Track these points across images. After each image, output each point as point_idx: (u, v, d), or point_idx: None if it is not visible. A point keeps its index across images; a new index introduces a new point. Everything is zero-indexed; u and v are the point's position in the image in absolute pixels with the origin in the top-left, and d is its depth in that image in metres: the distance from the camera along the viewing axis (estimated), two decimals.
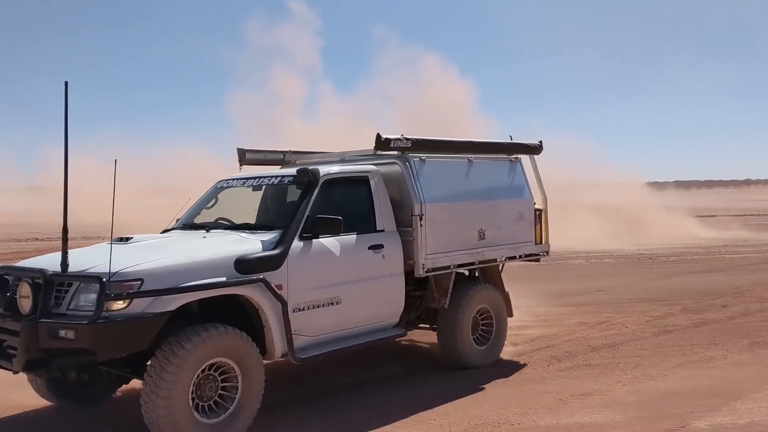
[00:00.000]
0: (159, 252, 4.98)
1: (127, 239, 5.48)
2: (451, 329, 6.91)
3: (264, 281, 5.09)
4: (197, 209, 6.58)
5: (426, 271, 6.45)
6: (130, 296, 4.47)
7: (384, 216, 6.32)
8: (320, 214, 5.72)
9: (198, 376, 4.73)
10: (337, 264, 5.77)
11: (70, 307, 4.60)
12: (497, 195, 7.39)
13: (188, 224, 6.29)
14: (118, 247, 5.28)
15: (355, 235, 6.01)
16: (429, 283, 6.91)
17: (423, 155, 6.73)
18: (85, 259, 4.87)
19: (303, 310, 5.47)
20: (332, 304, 5.70)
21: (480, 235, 7.06)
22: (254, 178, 6.47)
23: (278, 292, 5.20)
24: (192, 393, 4.69)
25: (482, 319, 7.28)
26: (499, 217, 7.31)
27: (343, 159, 7.18)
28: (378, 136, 6.24)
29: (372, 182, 6.34)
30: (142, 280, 4.56)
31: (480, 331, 7.26)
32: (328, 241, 5.74)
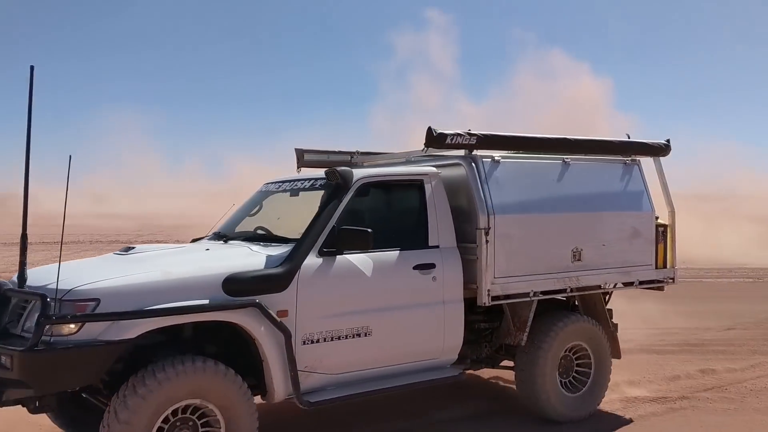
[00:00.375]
0: (137, 267, 4.25)
1: (129, 249, 4.82)
2: (530, 370, 5.57)
3: (259, 306, 4.18)
4: (240, 216, 5.82)
5: (492, 299, 5.20)
6: (80, 319, 3.76)
7: (440, 229, 5.16)
8: (351, 224, 4.72)
9: (164, 420, 3.91)
10: (367, 286, 4.72)
11: (25, 329, 3.99)
12: (602, 205, 5.91)
13: (220, 234, 5.53)
14: (111, 259, 4.68)
15: (397, 252, 4.92)
16: (504, 314, 5.64)
17: (498, 155, 5.50)
18: (61, 273, 4.25)
19: (317, 341, 4.48)
20: (359, 335, 4.66)
21: (574, 256, 5.66)
22: (291, 181, 5.59)
23: (279, 319, 4.26)
24: None
25: (577, 360, 5.86)
26: (603, 232, 5.84)
27: (408, 160, 6.12)
28: (429, 131, 5.10)
29: (427, 187, 5.21)
30: (98, 300, 3.83)
31: (573, 375, 5.85)
32: (357, 258, 4.71)
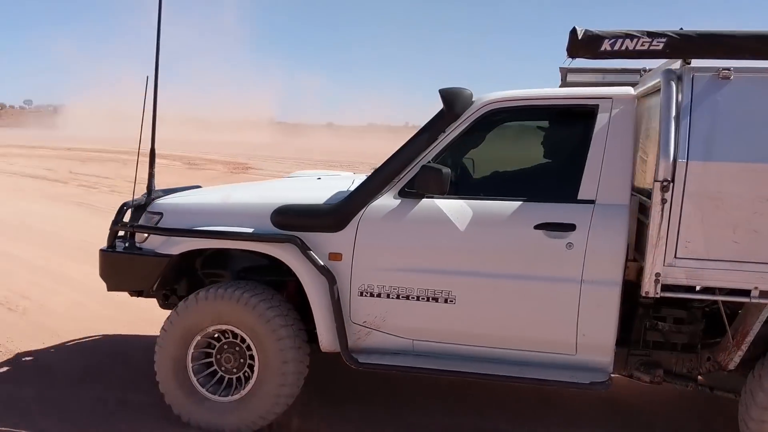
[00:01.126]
0: (233, 191, 4.31)
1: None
2: (747, 410, 3.50)
3: (296, 242, 3.75)
4: None
5: (662, 289, 3.40)
6: (138, 228, 4.09)
7: (605, 177, 3.59)
8: (462, 163, 3.75)
9: (215, 338, 3.97)
10: (456, 242, 3.67)
11: None
12: None
13: None
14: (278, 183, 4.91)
15: (517, 203, 3.66)
16: (721, 318, 3.62)
17: (733, 67, 3.42)
18: (208, 190, 4.63)
19: (378, 296, 3.78)
20: (436, 300, 3.71)
21: None
22: None
23: (322, 262, 3.74)
24: (191, 359, 3.95)
25: None
26: None
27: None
28: (572, 33, 3.49)
29: (601, 118, 3.64)
30: (161, 214, 4.09)
31: None
32: (450, 206, 3.71)
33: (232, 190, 4.42)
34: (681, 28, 3.47)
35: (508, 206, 3.66)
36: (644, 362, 3.86)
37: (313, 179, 4.81)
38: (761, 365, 3.51)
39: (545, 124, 3.95)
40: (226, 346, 3.98)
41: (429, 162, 3.73)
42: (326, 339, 3.84)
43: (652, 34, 3.41)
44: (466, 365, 3.74)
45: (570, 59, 3.65)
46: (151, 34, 3.97)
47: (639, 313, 3.82)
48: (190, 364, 3.97)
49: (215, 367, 4.01)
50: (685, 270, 3.38)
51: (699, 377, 3.86)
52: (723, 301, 3.57)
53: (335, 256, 3.80)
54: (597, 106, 3.67)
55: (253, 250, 3.92)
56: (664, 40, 3.39)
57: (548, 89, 3.91)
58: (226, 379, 4.00)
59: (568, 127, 3.83)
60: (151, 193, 4.41)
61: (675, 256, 3.37)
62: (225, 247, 4.02)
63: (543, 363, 3.72)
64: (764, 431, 3.44)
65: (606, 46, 3.47)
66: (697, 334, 3.80)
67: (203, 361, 4.01)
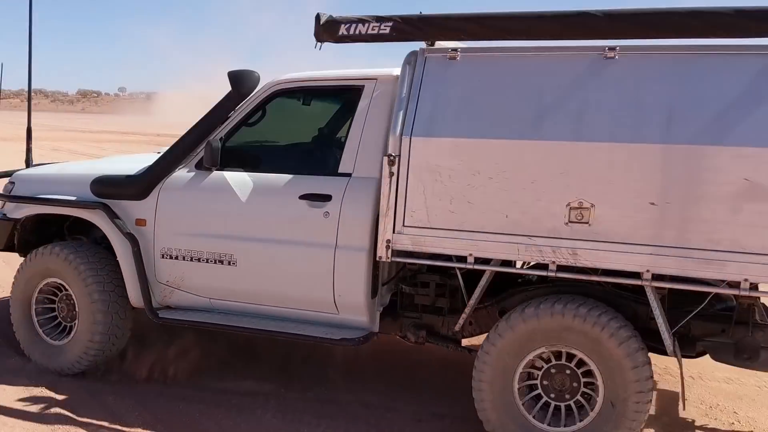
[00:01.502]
0: (78, 165, 4.90)
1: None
2: (474, 379, 3.76)
3: (105, 209, 4.30)
4: None
5: (393, 254, 3.72)
6: None
7: (362, 152, 3.93)
8: (247, 140, 4.18)
9: (39, 292, 4.60)
10: (236, 210, 4.12)
11: None
12: (663, 131, 3.25)
13: None
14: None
15: (286, 177, 4.06)
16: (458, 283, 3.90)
17: (463, 47, 3.68)
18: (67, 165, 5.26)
19: (176, 258, 4.28)
20: (221, 262, 4.18)
21: (576, 215, 3.39)
22: None
23: (127, 226, 4.29)
24: (36, 307, 4.62)
25: (586, 382, 3.57)
26: (654, 181, 3.26)
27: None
28: (317, 18, 3.81)
29: (364, 98, 3.99)
30: (14, 183, 4.74)
31: (577, 399, 3.60)
32: (235, 178, 4.16)
33: (73, 162, 5.03)
34: (420, 12, 3.75)
35: (281, 178, 4.07)
36: (415, 324, 4.16)
37: (153, 153, 5.34)
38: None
39: (324, 103, 4.30)
40: (58, 299, 4.60)
41: (218, 138, 4.18)
42: (133, 296, 4.39)
43: (380, 19, 3.71)
44: (249, 322, 4.19)
45: (319, 44, 3.97)
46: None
47: (405, 278, 4.14)
48: (35, 316, 4.63)
49: (59, 318, 4.65)
50: (411, 237, 3.68)
51: (461, 339, 4.14)
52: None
53: (140, 222, 4.33)
54: (363, 86, 4.01)
55: (70, 215, 4.51)
56: (390, 24, 3.69)
57: (329, 71, 4.27)
58: (68, 326, 4.63)
59: (339, 105, 4.18)
60: (28, 165, 5.10)
61: (403, 225, 3.69)
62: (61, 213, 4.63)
63: (317, 321, 4.10)
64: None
65: (343, 30, 3.79)
66: (455, 298, 4.07)
67: (49, 315, 4.66)
